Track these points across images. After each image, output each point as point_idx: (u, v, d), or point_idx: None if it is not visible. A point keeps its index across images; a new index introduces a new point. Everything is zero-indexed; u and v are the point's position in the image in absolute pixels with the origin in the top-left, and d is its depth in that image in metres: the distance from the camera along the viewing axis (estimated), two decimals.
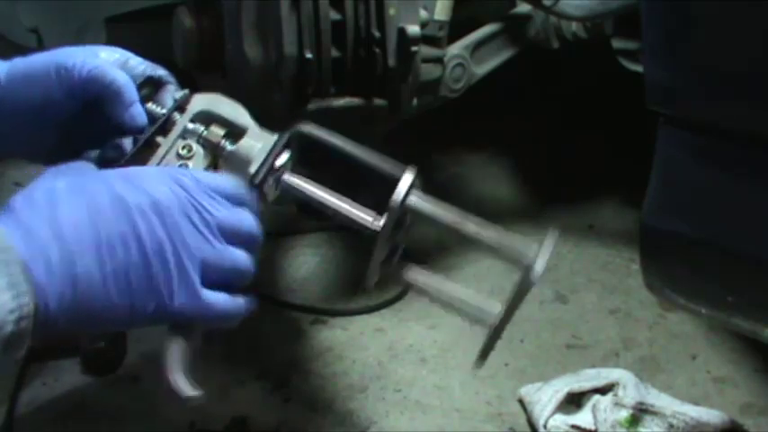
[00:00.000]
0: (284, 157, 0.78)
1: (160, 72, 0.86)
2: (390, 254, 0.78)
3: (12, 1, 1.69)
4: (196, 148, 0.79)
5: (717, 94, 0.86)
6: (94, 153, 0.85)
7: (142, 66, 0.84)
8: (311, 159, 0.79)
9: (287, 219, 1.79)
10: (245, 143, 0.79)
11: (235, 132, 0.80)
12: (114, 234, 0.66)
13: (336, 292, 1.63)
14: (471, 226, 0.76)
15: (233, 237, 0.71)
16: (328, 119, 1.25)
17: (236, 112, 0.82)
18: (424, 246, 1.75)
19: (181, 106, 0.81)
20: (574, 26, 1.56)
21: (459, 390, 1.39)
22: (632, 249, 1.68)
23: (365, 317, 1.55)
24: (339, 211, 0.76)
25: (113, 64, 0.82)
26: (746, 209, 0.88)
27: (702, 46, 0.85)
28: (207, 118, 0.81)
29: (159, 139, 0.80)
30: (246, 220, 0.72)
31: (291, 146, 0.78)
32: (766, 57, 0.80)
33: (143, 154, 0.79)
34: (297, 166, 0.79)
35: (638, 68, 1.53)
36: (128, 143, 0.83)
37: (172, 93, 0.84)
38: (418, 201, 0.76)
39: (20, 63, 0.82)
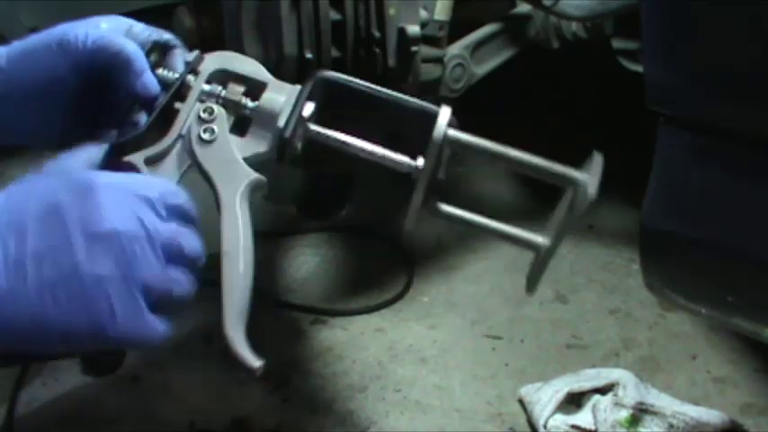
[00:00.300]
0: (310, 107, 0.74)
1: (166, 36, 0.82)
2: (428, 195, 0.76)
3: (12, 1, 1.69)
4: (217, 109, 0.76)
5: (717, 94, 0.86)
6: (112, 133, 0.80)
7: (147, 32, 0.81)
8: (335, 112, 0.76)
9: (287, 219, 1.79)
10: (267, 97, 0.76)
11: (255, 88, 0.77)
12: (44, 247, 0.62)
13: (336, 292, 1.63)
14: (516, 152, 0.75)
15: (177, 258, 0.67)
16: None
17: (251, 66, 0.79)
18: (423, 246, 1.75)
19: (194, 69, 0.78)
20: (574, 26, 1.56)
21: (459, 390, 1.39)
22: (632, 249, 1.68)
23: (365, 317, 1.55)
24: (375, 153, 0.74)
25: (117, 32, 0.79)
26: (746, 209, 0.88)
27: (702, 46, 0.85)
28: (223, 77, 0.78)
29: (177, 105, 0.76)
30: (193, 240, 0.68)
31: (315, 96, 0.75)
32: (766, 57, 0.80)
33: (161, 123, 0.76)
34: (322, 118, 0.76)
35: (638, 68, 1.53)
36: (144, 118, 0.79)
37: (182, 56, 0.80)
38: (459, 133, 0.75)
39: (19, 44, 0.79)
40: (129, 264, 0.63)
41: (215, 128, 0.75)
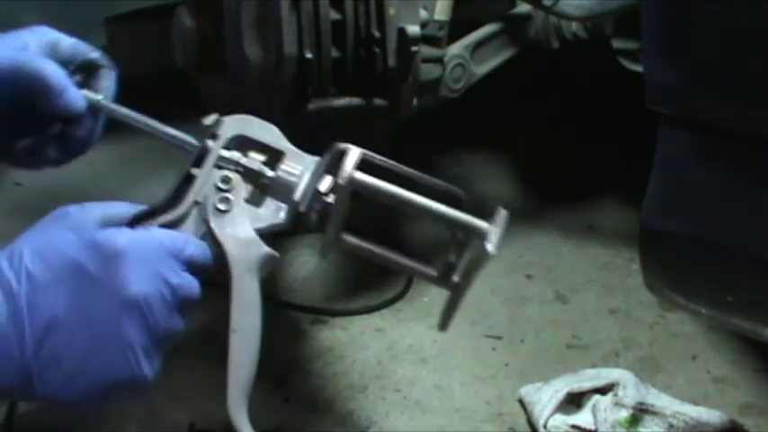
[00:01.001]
0: (327, 181, 0.76)
1: (93, 55, 0.83)
2: (337, 231, 0.77)
3: (12, 1, 1.70)
4: (235, 178, 0.76)
5: (717, 94, 0.86)
6: (27, 142, 0.82)
7: (73, 48, 0.81)
8: None
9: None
10: (285, 168, 0.77)
11: (273, 156, 0.77)
12: (74, 309, 0.66)
13: (336, 292, 1.63)
14: (420, 199, 0.75)
15: (185, 306, 0.71)
16: (328, 119, 1.26)
17: (270, 134, 0.79)
18: (423, 246, 1.75)
19: (213, 133, 0.77)
20: (574, 26, 1.56)
21: (459, 390, 1.39)
22: (632, 249, 1.67)
23: (365, 317, 1.55)
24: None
25: (41, 49, 0.79)
26: (746, 209, 0.88)
27: (702, 46, 0.85)
28: (242, 143, 0.78)
29: (194, 171, 0.76)
30: (197, 289, 0.72)
31: (332, 168, 0.76)
32: (766, 56, 0.80)
33: (179, 189, 0.76)
34: None
35: (638, 68, 1.53)
36: (79, 131, 0.81)
37: (110, 76, 0.81)
38: (365, 177, 0.74)
39: None
40: (156, 324, 0.69)
41: (231, 198, 0.76)
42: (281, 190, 0.76)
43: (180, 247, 0.71)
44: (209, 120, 0.78)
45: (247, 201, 0.77)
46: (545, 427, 1.25)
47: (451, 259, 0.77)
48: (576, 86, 2.22)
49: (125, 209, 0.74)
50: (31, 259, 0.66)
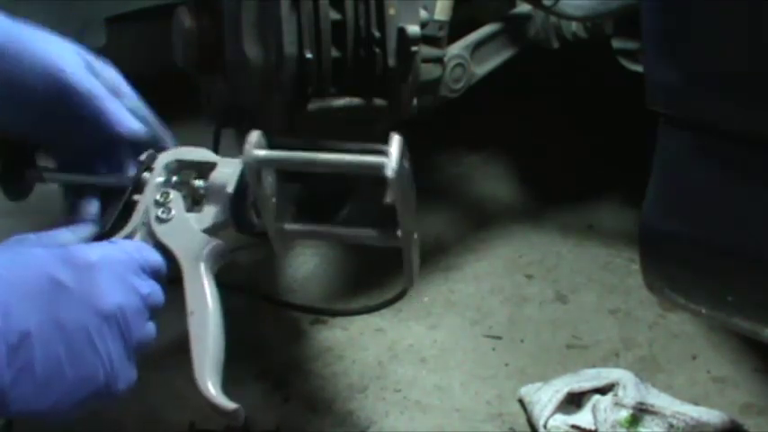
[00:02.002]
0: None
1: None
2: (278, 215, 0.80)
3: (12, 1, 1.69)
4: (173, 193, 0.81)
5: (717, 94, 0.86)
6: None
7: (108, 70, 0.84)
8: None
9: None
10: (216, 173, 0.81)
11: (206, 170, 0.82)
12: (50, 322, 0.67)
13: (336, 292, 1.63)
14: (325, 156, 0.76)
15: (153, 313, 0.75)
16: (328, 119, 1.26)
17: (201, 153, 0.84)
18: (423, 246, 1.75)
19: (148, 166, 0.83)
20: (574, 26, 1.56)
21: (459, 390, 1.39)
22: (632, 249, 1.67)
23: (365, 317, 1.55)
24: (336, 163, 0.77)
25: (77, 68, 0.80)
26: (747, 209, 0.88)
27: (703, 46, 0.85)
28: (176, 166, 0.83)
29: (136, 197, 0.82)
30: (162, 296, 0.76)
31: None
32: (766, 56, 0.80)
33: (122, 216, 0.82)
34: None
35: (638, 68, 1.53)
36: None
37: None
38: (267, 152, 0.76)
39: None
40: (130, 333, 0.71)
41: (171, 208, 0.81)
42: (216, 192, 0.81)
43: (145, 257, 0.75)
44: (144, 155, 0.83)
45: (188, 211, 0.82)
46: (545, 427, 1.25)
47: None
48: (576, 86, 2.22)
49: (69, 236, 0.78)
50: (6, 272, 0.66)
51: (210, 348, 0.79)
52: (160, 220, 0.80)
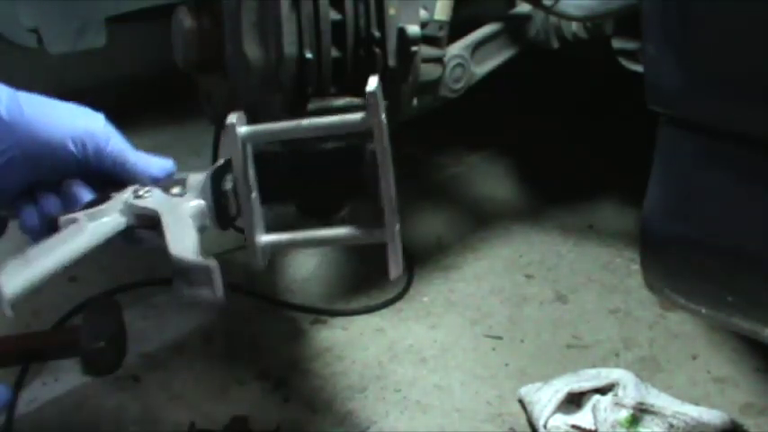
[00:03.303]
0: (228, 182, 0.78)
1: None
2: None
3: (12, 1, 1.69)
4: (154, 190, 0.79)
5: (717, 95, 0.86)
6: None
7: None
8: None
9: (287, 219, 1.79)
10: (191, 179, 0.80)
11: (181, 181, 0.81)
12: None
13: (336, 292, 1.63)
14: (307, 121, 0.76)
15: None
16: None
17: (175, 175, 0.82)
18: (423, 246, 1.75)
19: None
20: (574, 26, 1.56)
21: (459, 390, 1.39)
22: (632, 249, 1.68)
23: (365, 317, 1.55)
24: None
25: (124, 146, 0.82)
26: (746, 209, 0.88)
27: (703, 46, 0.85)
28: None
29: (113, 194, 0.80)
30: None
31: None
32: (766, 57, 0.80)
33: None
34: None
35: (638, 68, 1.53)
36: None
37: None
38: (252, 127, 0.76)
39: (35, 103, 0.79)
40: None
41: (150, 196, 0.78)
42: (194, 191, 0.79)
43: None
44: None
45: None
46: (545, 427, 1.25)
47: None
48: (577, 87, 2.22)
49: None
50: None
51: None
52: (138, 197, 0.78)
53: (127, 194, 0.79)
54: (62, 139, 0.78)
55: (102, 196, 0.80)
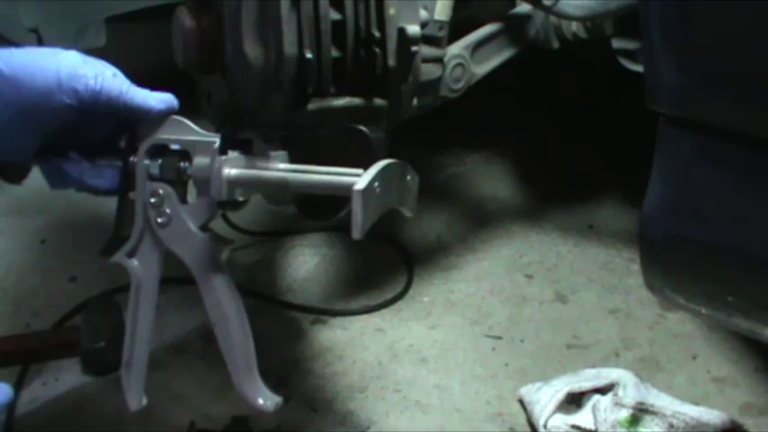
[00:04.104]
0: (234, 160, 0.79)
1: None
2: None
3: (12, 1, 1.69)
4: (163, 189, 0.81)
5: (717, 95, 0.86)
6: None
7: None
8: None
9: (287, 219, 1.79)
10: (197, 161, 0.81)
11: (187, 151, 0.82)
12: None
13: (336, 292, 1.63)
14: (295, 177, 0.78)
15: None
16: (328, 119, 1.26)
17: (179, 127, 0.83)
18: (423, 246, 1.75)
19: (131, 149, 0.83)
20: (574, 26, 1.56)
21: (459, 390, 1.39)
22: (632, 249, 1.68)
23: (365, 317, 1.55)
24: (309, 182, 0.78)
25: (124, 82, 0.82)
26: (746, 209, 0.88)
27: (703, 46, 0.85)
28: (158, 149, 0.83)
29: (132, 195, 0.83)
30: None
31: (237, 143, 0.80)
32: (766, 57, 0.80)
33: (125, 215, 0.84)
34: None
35: (638, 68, 1.53)
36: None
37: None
38: (238, 172, 0.79)
39: (22, 56, 0.79)
40: None
41: (167, 210, 0.81)
42: (201, 184, 0.81)
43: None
44: (123, 142, 0.84)
45: (182, 201, 0.82)
46: (545, 427, 1.25)
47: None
48: (576, 87, 2.22)
49: None
50: None
51: (238, 354, 0.81)
52: (161, 226, 0.81)
53: (145, 206, 0.82)
54: (48, 90, 0.78)
55: (120, 206, 0.84)
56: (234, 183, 0.77)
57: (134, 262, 0.84)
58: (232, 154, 0.79)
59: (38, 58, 0.79)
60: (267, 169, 0.78)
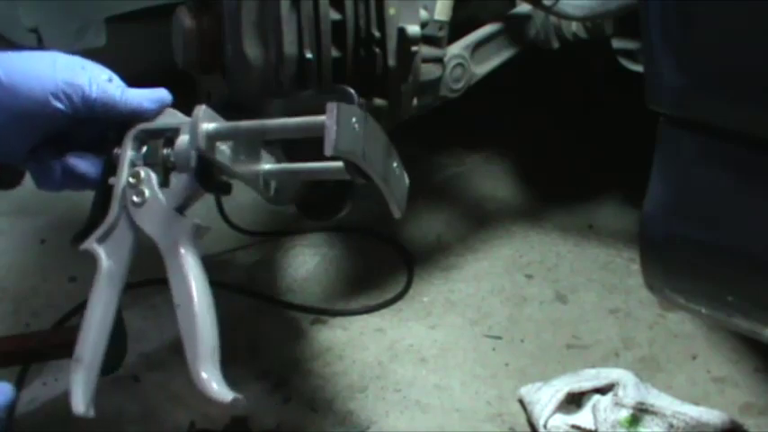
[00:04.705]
0: (209, 128, 0.78)
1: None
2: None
3: (12, 1, 1.69)
4: (144, 172, 0.81)
5: (717, 95, 0.86)
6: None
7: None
8: None
9: (287, 219, 1.79)
10: (179, 141, 0.81)
11: (171, 135, 0.82)
12: None
13: (336, 292, 1.63)
14: (270, 123, 0.78)
15: None
16: None
17: (166, 117, 0.83)
18: (423, 246, 1.75)
19: (118, 139, 0.83)
20: (574, 26, 1.56)
21: (459, 390, 1.39)
22: (632, 249, 1.68)
23: (365, 317, 1.55)
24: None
25: (119, 85, 0.83)
26: (746, 209, 0.88)
27: (703, 46, 0.85)
28: (144, 136, 0.83)
29: (111, 180, 0.82)
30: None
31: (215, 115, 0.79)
32: (766, 57, 0.80)
33: (103, 203, 0.82)
34: None
35: (638, 68, 1.53)
36: None
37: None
38: (215, 126, 0.78)
39: (17, 60, 0.79)
40: None
41: (144, 189, 0.80)
42: (181, 163, 0.81)
43: None
44: (111, 133, 0.84)
45: (162, 185, 0.81)
46: (545, 427, 1.25)
47: None
48: (576, 87, 2.22)
49: None
50: None
51: (201, 339, 0.76)
52: (135, 205, 0.80)
53: (124, 190, 0.81)
54: (45, 98, 0.78)
55: (100, 193, 0.82)
56: (213, 135, 0.76)
57: (103, 248, 0.82)
58: (208, 111, 0.78)
59: (36, 65, 0.79)
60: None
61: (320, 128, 0.71)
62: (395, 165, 0.79)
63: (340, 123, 0.70)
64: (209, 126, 0.77)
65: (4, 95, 0.78)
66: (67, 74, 0.79)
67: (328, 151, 0.71)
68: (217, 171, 0.80)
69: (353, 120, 0.72)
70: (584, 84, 2.19)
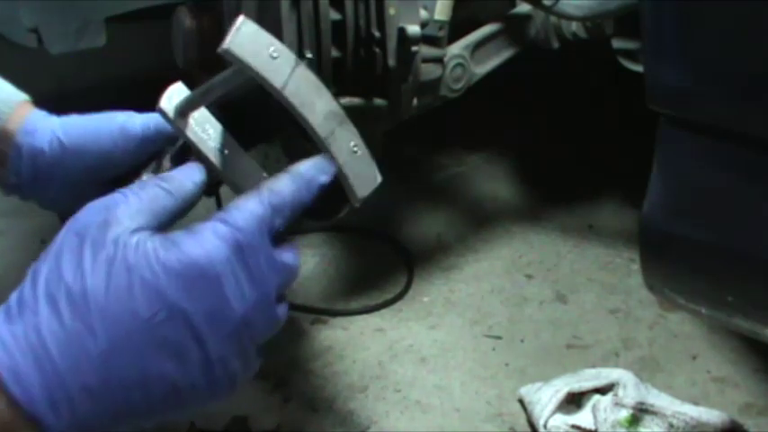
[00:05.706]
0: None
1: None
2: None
3: (12, 1, 1.69)
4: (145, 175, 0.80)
5: (717, 95, 0.86)
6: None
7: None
8: None
9: None
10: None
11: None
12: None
13: (336, 292, 1.63)
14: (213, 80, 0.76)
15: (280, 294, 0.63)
16: None
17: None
18: (423, 246, 1.75)
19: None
20: (574, 26, 1.56)
21: (459, 390, 1.39)
22: (632, 249, 1.68)
23: (365, 317, 1.55)
24: None
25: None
26: (746, 209, 0.88)
27: (703, 46, 0.85)
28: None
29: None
30: (296, 262, 0.64)
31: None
32: (766, 57, 0.80)
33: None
34: None
35: (638, 68, 1.53)
36: None
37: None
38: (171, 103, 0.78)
39: (77, 123, 0.81)
40: (256, 338, 0.66)
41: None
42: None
43: (270, 214, 0.60)
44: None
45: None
46: (545, 427, 1.25)
47: None
48: (576, 86, 2.22)
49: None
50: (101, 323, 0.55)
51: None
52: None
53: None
54: (104, 166, 0.81)
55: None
56: (177, 110, 0.76)
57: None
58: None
59: (96, 137, 0.81)
60: None
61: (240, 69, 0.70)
62: (352, 144, 0.74)
63: (241, 30, 0.68)
64: (166, 104, 0.77)
65: (68, 164, 0.81)
66: (120, 137, 0.81)
67: (353, 201, 0.70)
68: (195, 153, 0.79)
69: (271, 48, 0.68)
70: (585, 84, 2.19)
